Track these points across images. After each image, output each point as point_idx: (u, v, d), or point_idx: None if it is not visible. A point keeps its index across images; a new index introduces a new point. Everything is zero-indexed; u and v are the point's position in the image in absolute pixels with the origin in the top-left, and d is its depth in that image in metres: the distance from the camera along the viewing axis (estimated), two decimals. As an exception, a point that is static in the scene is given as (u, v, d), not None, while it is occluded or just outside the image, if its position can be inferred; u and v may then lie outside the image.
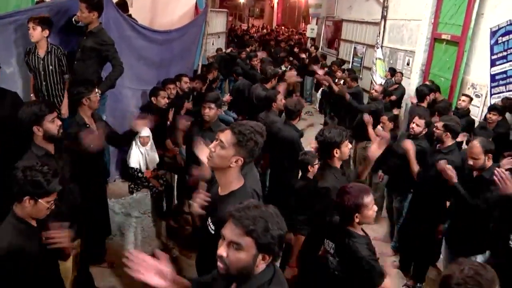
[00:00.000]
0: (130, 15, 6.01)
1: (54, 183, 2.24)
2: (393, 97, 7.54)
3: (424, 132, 4.53)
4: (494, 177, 3.06)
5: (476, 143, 3.46)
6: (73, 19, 4.20)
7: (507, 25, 5.83)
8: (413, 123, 4.54)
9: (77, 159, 3.27)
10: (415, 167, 4.17)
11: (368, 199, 2.49)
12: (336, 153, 3.08)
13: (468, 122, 5.70)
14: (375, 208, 2.57)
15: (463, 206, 3.61)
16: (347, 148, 3.13)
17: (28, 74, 4.11)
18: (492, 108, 5.35)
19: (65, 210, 2.99)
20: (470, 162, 3.49)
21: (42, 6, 4.28)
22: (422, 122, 4.49)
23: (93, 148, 3.30)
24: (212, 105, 3.96)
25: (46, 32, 3.88)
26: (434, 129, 4.16)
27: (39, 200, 2.20)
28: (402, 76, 8.21)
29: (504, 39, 5.87)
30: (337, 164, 3.15)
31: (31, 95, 4.13)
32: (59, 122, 3.00)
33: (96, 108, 3.74)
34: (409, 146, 4.21)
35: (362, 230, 2.67)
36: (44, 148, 2.95)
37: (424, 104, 5.95)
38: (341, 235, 2.62)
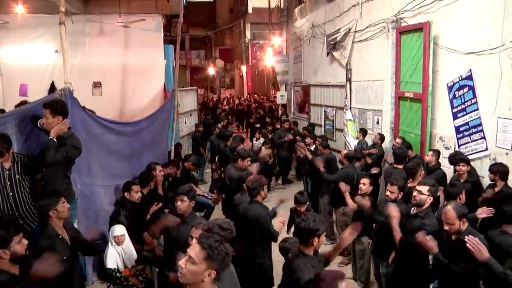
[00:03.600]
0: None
1: None
2: (369, 161, 7.62)
3: (400, 197, 4.53)
4: (467, 245, 3.10)
5: (450, 208, 3.45)
6: (38, 123, 4.18)
7: (459, 80, 6.10)
8: (387, 190, 4.55)
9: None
10: (398, 235, 4.08)
11: (343, 285, 2.53)
12: (315, 242, 3.13)
13: (438, 176, 5.77)
14: None
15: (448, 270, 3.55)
16: (323, 239, 3.20)
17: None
18: (459, 160, 5.43)
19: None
20: (446, 227, 3.47)
21: (6, 116, 4.31)
22: (394, 188, 4.49)
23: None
24: (184, 198, 3.83)
25: (10, 151, 3.92)
26: (416, 193, 4.09)
27: None
28: (382, 139, 8.00)
29: (460, 93, 6.11)
30: (311, 252, 3.17)
31: None
32: (26, 241, 2.92)
33: (66, 217, 3.66)
34: (394, 213, 4.14)
35: None
36: (7, 272, 2.80)
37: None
38: None
